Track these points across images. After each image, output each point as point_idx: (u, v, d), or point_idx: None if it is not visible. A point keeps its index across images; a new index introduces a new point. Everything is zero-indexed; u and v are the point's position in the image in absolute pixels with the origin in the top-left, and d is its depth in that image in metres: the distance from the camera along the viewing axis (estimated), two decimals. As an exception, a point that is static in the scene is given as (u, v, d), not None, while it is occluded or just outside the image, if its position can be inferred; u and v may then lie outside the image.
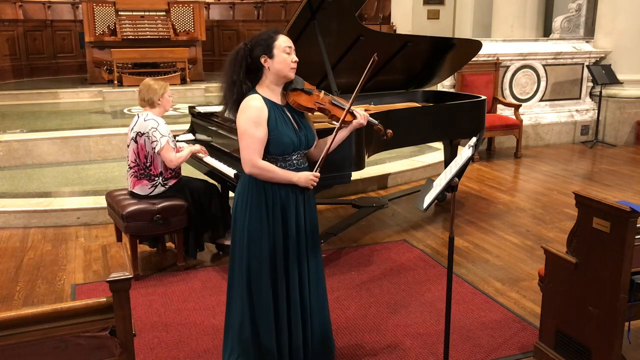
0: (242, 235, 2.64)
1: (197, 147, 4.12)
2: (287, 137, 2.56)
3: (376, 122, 2.90)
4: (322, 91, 2.77)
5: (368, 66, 2.61)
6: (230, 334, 2.77)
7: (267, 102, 2.56)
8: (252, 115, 2.51)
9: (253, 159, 2.53)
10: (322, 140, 2.76)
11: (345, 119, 2.70)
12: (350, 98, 2.68)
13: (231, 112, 2.62)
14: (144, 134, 3.89)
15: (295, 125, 2.62)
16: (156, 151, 3.89)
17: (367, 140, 3.95)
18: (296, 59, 2.58)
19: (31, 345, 1.69)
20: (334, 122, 2.82)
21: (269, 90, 2.59)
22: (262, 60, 2.53)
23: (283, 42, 2.54)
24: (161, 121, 3.93)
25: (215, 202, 4.15)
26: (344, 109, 2.72)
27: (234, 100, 2.57)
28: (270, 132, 2.53)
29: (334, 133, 2.70)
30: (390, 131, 2.98)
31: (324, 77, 4.45)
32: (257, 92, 2.57)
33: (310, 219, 2.71)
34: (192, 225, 4.09)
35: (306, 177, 2.61)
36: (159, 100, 3.96)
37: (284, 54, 2.53)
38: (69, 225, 4.94)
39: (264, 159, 2.58)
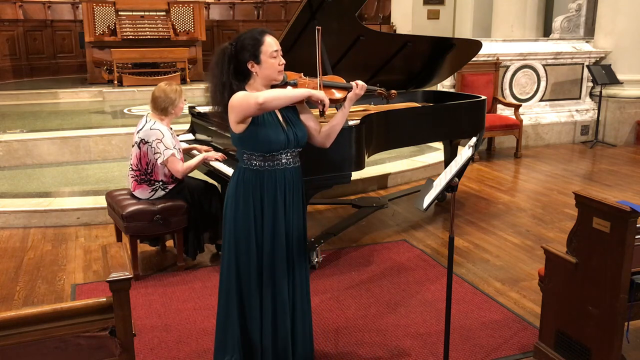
0: (230, 234, 2.64)
1: (211, 154, 4.00)
2: (273, 135, 2.52)
3: (375, 87, 2.85)
4: (308, 77, 2.72)
5: (317, 38, 2.61)
6: (220, 333, 2.76)
7: None
8: (245, 93, 2.49)
9: (255, 97, 2.42)
10: (329, 125, 2.73)
11: (340, 97, 2.67)
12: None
13: (225, 114, 2.59)
14: (147, 142, 3.87)
15: (283, 124, 2.58)
16: (158, 162, 3.88)
17: (367, 140, 3.95)
18: (283, 61, 2.56)
19: (31, 345, 1.69)
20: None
21: (257, 91, 2.57)
22: (249, 65, 2.53)
23: (269, 47, 2.51)
24: (167, 132, 3.89)
25: (215, 202, 4.15)
26: (337, 88, 2.68)
27: (225, 103, 2.54)
28: (258, 128, 2.50)
29: (339, 111, 2.70)
30: (394, 91, 2.89)
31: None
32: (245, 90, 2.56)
33: (297, 222, 2.68)
34: (192, 225, 4.08)
35: (319, 93, 2.54)
36: (172, 110, 3.94)
37: (271, 59, 2.52)
38: (69, 225, 4.94)
39: (250, 156, 2.57)
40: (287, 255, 2.66)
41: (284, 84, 2.62)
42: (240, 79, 2.57)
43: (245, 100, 2.44)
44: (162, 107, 3.92)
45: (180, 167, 3.90)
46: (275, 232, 2.62)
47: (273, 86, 2.61)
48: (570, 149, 7.86)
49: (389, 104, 3.06)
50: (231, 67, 2.54)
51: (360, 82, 2.67)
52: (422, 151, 6.84)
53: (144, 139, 3.89)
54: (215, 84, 2.57)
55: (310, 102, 2.60)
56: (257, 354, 2.68)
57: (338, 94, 2.71)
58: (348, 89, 2.69)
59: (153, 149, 3.86)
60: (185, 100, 4.05)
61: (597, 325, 2.68)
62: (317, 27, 2.64)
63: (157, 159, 3.87)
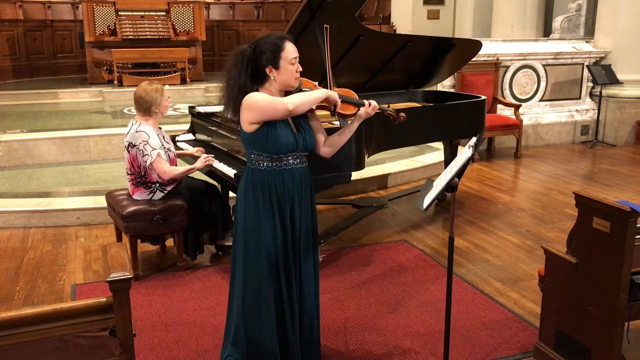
0: (240, 233, 2.66)
1: (198, 164, 3.92)
2: (282, 137, 2.54)
3: (386, 107, 2.82)
4: (320, 87, 2.72)
5: (324, 37, 2.60)
6: (228, 332, 2.77)
7: None
8: (262, 94, 2.52)
9: (284, 100, 2.48)
10: (335, 135, 2.74)
11: (350, 112, 2.66)
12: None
13: (234, 116, 2.60)
14: (135, 145, 3.86)
15: (294, 128, 2.60)
16: (147, 164, 3.86)
17: (367, 140, 3.96)
18: (300, 68, 2.58)
19: (31, 345, 1.69)
20: (334, 122, 2.80)
21: (271, 94, 2.58)
22: (268, 70, 2.54)
23: (289, 54, 2.53)
24: (152, 133, 3.87)
25: (215, 202, 4.15)
26: (348, 103, 2.67)
27: (239, 105, 2.54)
28: (269, 129, 2.52)
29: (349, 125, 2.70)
30: (404, 115, 2.86)
31: (324, 77, 4.44)
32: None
33: (306, 221, 2.69)
34: (192, 225, 4.08)
35: (335, 95, 2.61)
36: (156, 109, 3.92)
37: (289, 66, 2.53)
38: (69, 225, 4.94)
39: (258, 156, 2.58)
40: (296, 254, 2.67)
41: (297, 91, 2.62)
42: (257, 82, 2.58)
43: (271, 105, 2.47)
44: (145, 108, 3.89)
45: (167, 168, 3.87)
46: (284, 232, 2.63)
47: (287, 92, 2.61)
48: (570, 149, 7.86)
49: (398, 125, 3.02)
50: (249, 71, 2.54)
51: (373, 102, 2.68)
52: (422, 151, 6.84)
53: (131, 143, 3.88)
54: (231, 85, 2.57)
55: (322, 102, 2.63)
56: (263, 352, 2.68)
57: (351, 109, 2.69)
58: (358, 105, 2.69)
59: (141, 151, 3.85)
60: (169, 97, 4.03)
61: (597, 325, 2.68)
62: (325, 25, 2.62)
63: (146, 161, 3.86)
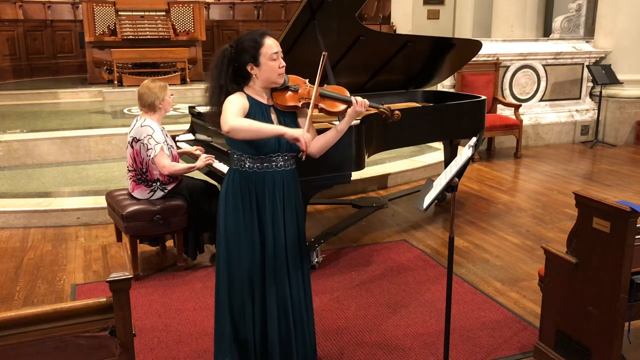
0: (222, 236, 2.62)
1: (198, 164, 3.92)
2: (261, 139, 2.46)
3: (379, 105, 2.68)
4: (310, 84, 2.60)
5: (320, 63, 2.52)
6: (216, 335, 2.74)
7: (251, 99, 2.52)
8: (236, 101, 2.46)
9: (230, 118, 2.38)
10: (321, 136, 2.64)
11: (341, 110, 2.57)
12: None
13: (218, 115, 2.57)
14: (139, 140, 3.87)
15: None
16: (150, 159, 3.87)
17: (367, 140, 3.96)
18: (283, 63, 2.52)
19: (31, 345, 1.69)
20: (333, 122, 2.77)
21: (256, 93, 2.55)
22: (249, 68, 2.49)
23: (269, 49, 2.47)
24: (157, 128, 3.88)
25: (214, 202, 4.11)
26: (336, 100, 2.57)
27: (221, 105, 2.49)
28: None
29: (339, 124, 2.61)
30: (398, 112, 2.71)
31: (325, 78, 4.45)
32: (242, 92, 2.53)
33: (291, 226, 2.61)
34: (192, 225, 4.08)
35: (294, 132, 2.40)
36: (160, 104, 3.93)
37: (270, 62, 2.47)
38: (69, 225, 4.94)
39: (240, 157, 2.54)
40: (279, 260, 2.60)
41: (284, 88, 2.57)
42: (240, 81, 2.54)
43: (224, 115, 2.42)
44: (148, 103, 3.91)
45: (167, 162, 3.86)
46: (264, 237, 2.57)
47: (273, 89, 2.57)
48: (570, 149, 7.86)
49: (392, 123, 2.96)
50: (230, 69, 2.51)
51: (359, 99, 2.55)
52: (422, 151, 6.84)
53: (135, 137, 3.89)
54: (213, 85, 2.55)
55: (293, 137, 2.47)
56: (252, 357, 2.67)
57: (339, 106, 2.59)
58: (347, 103, 2.57)
59: (145, 145, 3.85)
60: (172, 95, 4.04)
61: (597, 325, 2.68)
62: (323, 52, 2.58)
63: (149, 156, 3.86)
